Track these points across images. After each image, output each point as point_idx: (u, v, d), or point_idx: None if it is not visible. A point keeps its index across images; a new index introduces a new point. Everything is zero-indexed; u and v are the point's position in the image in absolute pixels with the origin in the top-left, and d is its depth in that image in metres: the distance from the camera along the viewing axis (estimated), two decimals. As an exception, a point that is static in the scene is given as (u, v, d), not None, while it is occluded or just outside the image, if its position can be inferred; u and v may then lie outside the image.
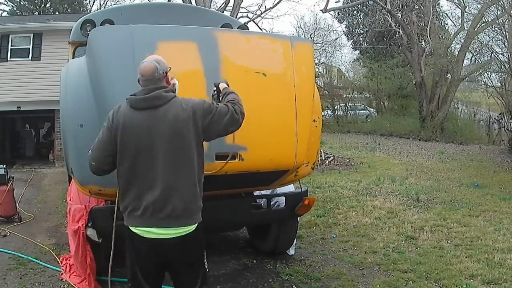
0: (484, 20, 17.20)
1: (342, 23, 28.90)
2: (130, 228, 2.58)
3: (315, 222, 6.41)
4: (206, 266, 2.77)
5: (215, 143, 3.30)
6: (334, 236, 5.88)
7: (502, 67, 15.47)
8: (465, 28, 18.77)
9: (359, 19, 26.83)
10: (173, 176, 2.52)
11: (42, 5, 26.15)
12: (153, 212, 2.51)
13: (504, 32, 15.00)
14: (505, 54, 15.30)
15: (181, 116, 2.54)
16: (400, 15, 20.47)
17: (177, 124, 2.53)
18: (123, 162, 2.57)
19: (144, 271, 2.62)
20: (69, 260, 4.51)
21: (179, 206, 2.52)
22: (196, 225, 2.62)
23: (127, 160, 2.55)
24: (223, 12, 17.47)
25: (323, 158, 12.58)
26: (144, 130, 2.52)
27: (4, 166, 6.91)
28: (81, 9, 26.26)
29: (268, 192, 4.46)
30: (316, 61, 24.89)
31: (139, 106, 2.57)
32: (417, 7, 20.63)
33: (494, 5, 15.13)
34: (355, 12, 27.51)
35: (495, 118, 18.19)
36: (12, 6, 26.66)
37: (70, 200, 4.23)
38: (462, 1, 18.89)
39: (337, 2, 25.01)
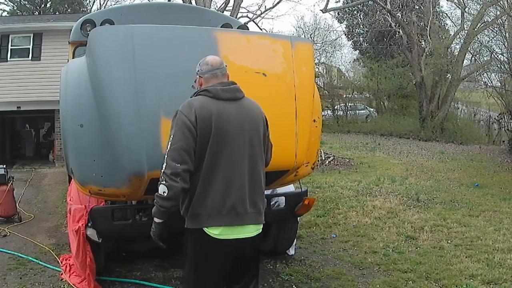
0: (484, 20, 17.20)
1: (342, 23, 28.93)
2: (207, 229, 2.41)
3: (315, 222, 6.41)
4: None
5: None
6: (334, 236, 5.88)
7: (502, 67, 15.49)
8: (465, 28, 18.77)
9: (359, 19, 26.85)
10: (256, 170, 2.53)
11: (42, 5, 26.15)
12: (237, 210, 2.43)
13: (504, 32, 15.02)
14: (505, 54, 15.33)
15: (259, 112, 2.60)
16: (400, 15, 20.48)
17: (257, 119, 2.57)
18: (207, 156, 2.39)
19: (219, 273, 2.51)
20: (69, 260, 4.51)
21: (260, 203, 2.54)
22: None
23: (213, 154, 2.39)
24: (223, 12, 17.47)
25: (323, 158, 12.58)
26: (234, 121, 2.45)
27: (4, 166, 6.91)
28: (81, 9, 26.26)
29: (268, 192, 4.46)
30: (316, 61, 24.88)
31: (223, 96, 2.47)
32: (417, 7, 20.64)
33: (494, 5, 15.12)
34: (355, 12, 27.51)
35: (495, 118, 18.20)
36: (12, 6, 26.68)
37: (70, 200, 4.23)
38: (462, 1, 18.90)
39: (337, 2, 25.02)
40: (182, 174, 2.34)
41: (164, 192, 2.36)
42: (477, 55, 18.16)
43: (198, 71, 2.62)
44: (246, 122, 2.50)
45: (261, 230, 2.59)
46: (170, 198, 2.38)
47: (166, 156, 2.37)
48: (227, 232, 2.42)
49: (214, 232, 2.40)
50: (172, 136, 2.39)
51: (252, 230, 2.51)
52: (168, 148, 2.38)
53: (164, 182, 2.36)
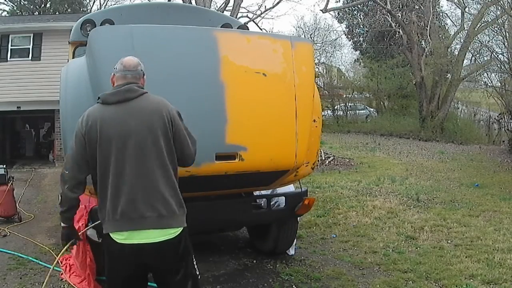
0: (484, 20, 17.21)
1: (342, 23, 28.93)
2: (111, 234, 2.40)
3: (315, 222, 6.41)
4: (197, 273, 2.57)
5: (215, 143, 3.31)
6: (334, 236, 5.88)
7: (502, 67, 15.49)
8: (465, 28, 18.78)
9: (359, 19, 26.84)
10: (150, 171, 2.37)
11: (42, 5, 26.13)
12: (129, 214, 2.34)
13: (504, 32, 15.02)
14: (505, 54, 15.33)
15: (155, 110, 2.43)
16: (400, 15, 20.47)
17: (151, 117, 2.40)
18: (98, 163, 2.39)
19: (124, 279, 2.44)
20: (69, 260, 4.51)
21: (161, 206, 2.37)
22: (180, 228, 2.44)
23: (101, 160, 2.38)
24: (223, 12, 17.45)
25: (323, 158, 12.58)
26: (118, 124, 2.38)
27: (4, 166, 6.91)
28: (81, 9, 26.25)
29: (268, 192, 4.46)
30: (316, 61, 24.88)
31: (110, 100, 2.43)
32: (417, 7, 20.63)
33: (494, 5, 15.13)
34: (355, 12, 27.50)
35: (495, 118, 18.19)
36: (12, 6, 26.66)
37: (70, 200, 4.23)
38: (462, 1, 18.91)
39: (337, 2, 25.01)
40: (68, 182, 2.45)
41: (59, 201, 2.54)
42: (477, 55, 18.17)
43: (114, 68, 2.57)
44: (133, 123, 2.38)
45: (172, 235, 2.39)
46: (61, 204, 2.56)
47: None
48: (124, 236, 2.35)
49: (115, 236, 2.38)
50: (70, 145, 2.51)
51: (154, 235, 2.35)
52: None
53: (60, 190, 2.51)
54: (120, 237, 2.36)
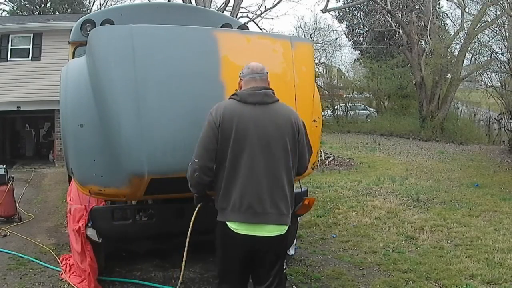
0: (484, 20, 17.20)
1: (342, 23, 28.93)
2: (229, 223, 2.61)
3: (315, 222, 6.41)
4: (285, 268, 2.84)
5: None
6: (334, 236, 5.88)
7: (502, 67, 15.49)
8: (465, 28, 18.77)
9: (359, 19, 26.84)
10: (277, 173, 2.59)
11: (42, 5, 26.12)
12: (255, 208, 2.56)
13: (504, 32, 15.02)
14: (505, 54, 15.32)
15: (287, 118, 2.66)
16: (400, 15, 20.48)
17: (284, 125, 2.63)
18: (229, 155, 2.57)
19: (239, 266, 2.69)
20: (69, 260, 4.51)
21: (282, 205, 2.60)
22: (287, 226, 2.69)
23: (233, 154, 2.57)
24: (223, 12, 17.46)
25: (323, 158, 12.58)
26: (256, 124, 2.57)
27: (4, 166, 6.90)
28: (81, 9, 26.24)
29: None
30: (316, 61, 24.88)
31: (249, 100, 2.63)
32: (417, 7, 20.63)
33: (494, 5, 15.13)
34: (355, 12, 27.51)
35: (495, 118, 18.19)
36: (12, 6, 26.65)
37: (70, 200, 4.23)
38: (462, 1, 18.89)
39: (337, 2, 25.03)
40: (198, 169, 2.60)
41: (189, 182, 2.69)
42: (477, 55, 18.16)
43: (240, 74, 2.83)
44: (269, 126, 2.60)
45: (284, 231, 2.66)
46: (192, 187, 2.72)
47: None
48: (244, 228, 2.57)
49: (233, 226, 2.59)
50: (200, 134, 2.64)
51: (272, 230, 2.60)
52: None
53: (187, 175, 2.68)
54: (238, 228, 2.58)
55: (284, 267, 2.84)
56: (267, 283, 2.69)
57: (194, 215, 2.86)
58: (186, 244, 2.87)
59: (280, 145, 2.61)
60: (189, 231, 2.85)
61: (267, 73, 2.79)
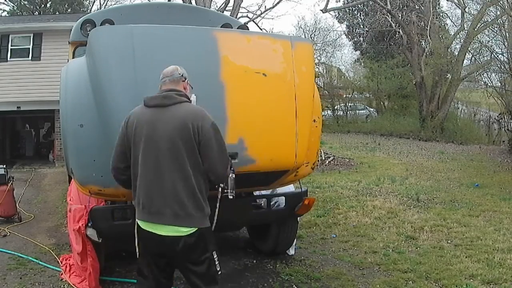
0: (484, 20, 17.20)
1: (342, 23, 28.92)
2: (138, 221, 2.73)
3: (315, 222, 6.41)
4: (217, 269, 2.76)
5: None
6: (334, 236, 5.88)
7: (502, 67, 15.48)
8: (465, 28, 18.77)
9: (360, 19, 26.84)
10: (167, 174, 2.59)
11: (42, 5, 26.12)
12: (148, 208, 2.63)
13: (504, 32, 15.01)
14: (505, 54, 15.32)
15: (183, 121, 2.57)
16: (400, 15, 20.47)
17: (180, 127, 2.57)
18: (132, 157, 2.68)
19: (149, 263, 2.79)
20: (69, 260, 4.51)
21: (177, 207, 2.58)
22: (194, 229, 2.62)
23: (134, 155, 2.66)
24: (223, 12, 17.46)
25: (323, 158, 12.58)
26: (149, 126, 2.62)
27: (4, 166, 6.90)
28: (81, 9, 26.25)
29: (268, 192, 4.46)
30: (316, 61, 24.88)
31: (149, 104, 2.68)
32: (417, 7, 20.63)
33: (494, 5, 15.12)
34: (355, 12, 27.51)
35: (495, 118, 18.19)
36: (12, 6, 26.65)
37: (70, 200, 4.23)
38: (462, 1, 18.89)
39: (337, 2, 24.98)
40: (112, 169, 2.81)
41: None
42: (477, 55, 18.14)
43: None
44: (160, 128, 2.59)
45: (182, 233, 2.58)
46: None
47: None
48: (146, 226, 2.67)
49: (140, 224, 2.72)
50: None
51: (168, 230, 2.60)
52: None
53: None
54: (142, 226, 2.69)
55: (218, 270, 2.75)
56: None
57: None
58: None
59: (173, 146, 2.56)
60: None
61: (180, 74, 2.74)
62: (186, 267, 2.73)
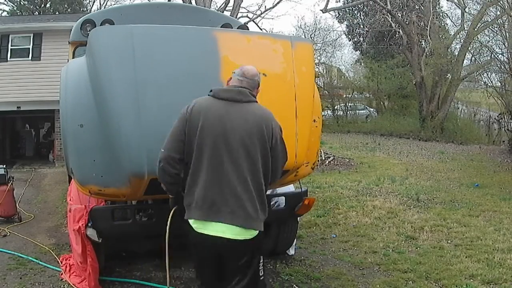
0: (484, 20, 17.20)
1: (342, 23, 28.92)
2: (190, 221, 2.57)
3: (315, 222, 6.41)
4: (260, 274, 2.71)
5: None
6: (334, 236, 5.88)
7: (502, 67, 15.48)
8: (465, 28, 18.77)
9: (359, 19, 26.83)
10: (240, 172, 2.51)
11: (42, 5, 26.12)
12: (218, 206, 2.49)
13: (504, 32, 15.01)
14: (505, 54, 15.32)
15: (259, 120, 2.57)
16: (400, 15, 20.47)
17: (254, 125, 2.55)
18: (194, 149, 2.52)
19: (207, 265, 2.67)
20: (69, 260, 4.51)
21: (249, 207, 2.50)
22: (257, 231, 2.57)
23: (198, 147, 2.52)
24: (223, 12, 17.47)
25: (323, 158, 12.57)
26: (220, 119, 2.52)
27: (4, 166, 6.90)
28: (81, 9, 26.25)
29: (268, 192, 4.45)
30: (316, 61, 24.88)
31: (221, 96, 2.59)
32: (417, 7, 20.63)
33: (494, 5, 15.12)
34: (355, 12, 27.50)
35: (495, 118, 18.18)
36: (12, 6, 26.64)
37: (70, 200, 4.23)
38: (462, 1, 18.89)
39: (337, 2, 24.99)
40: (163, 159, 2.57)
41: (158, 174, 2.64)
42: (477, 55, 18.15)
43: (234, 71, 2.78)
44: (234, 123, 2.53)
45: (249, 236, 2.53)
46: (161, 181, 2.66)
47: None
48: (202, 226, 2.52)
49: (194, 224, 2.55)
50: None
51: (229, 231, 2.49)
52: None
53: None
54: (197, 226, 2.53)
55: (261, 275, 2.71)
56: (231, 284, 2.61)
57: (169, 219, 2.76)
58: (166, 249, 2.77)
59: (244, 143, 2.51)
60: (166, 235, 2.77)
61: (259, 81, 2.73)
62: (237, 269, 2.60)
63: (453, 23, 22.15)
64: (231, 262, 2.60)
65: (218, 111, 2.54)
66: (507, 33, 14.87)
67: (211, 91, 2.66)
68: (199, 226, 2.52)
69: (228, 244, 2.49)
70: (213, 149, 2.49)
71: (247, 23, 19.11)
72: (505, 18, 14.66)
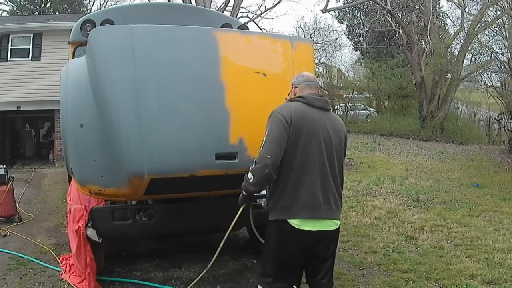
0: (484, 20, 17.20)
1: (342, 23, 28.95)
2: (292, 221, 2.70)
3: (315, 222, 6.40)
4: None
5: (216, 143, 3.31)
6: (334, 236, 5.87)
7: (502, 67, 15.49)
8: (465, 28, 18.77)
9: (359, 19, 26.84)
10: (335, 173, 2.80)
11: (42, 5, 26.14)
12: (324, 204, 2.73)
13: (504, 32, 15.02)
14: (505, 54, 15.32)
15: (342, 127, 2.90)
16: (400, 15, 20.47)
17: (340, 131, 2.86)
18: (298, 151, 2.68)
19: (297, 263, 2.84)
20: (69, 260, 4.51)
21: (335, 202, 2.79)
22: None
23: (303, 150, 2.68)
24: (223, 12, 17.46)
25: (323, 158, 12.55)
26: (321, 126, 2.74)
27: (4, 166, 6.90)
28: (81, 9, 26.26)
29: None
30: (316, 61, 24.89)
31: (315, 104, 2.78)
32: (417, 7, 20.63)
33: (494, 5, 15.12)
34: (355, 12, 27.51)
35: (495, 118, 18.19)
36: (12, 6, 26.67)
37: (70, 200, 4.23)
38: (462, 1, 18.90)
39: (337, 2, 24.98)
40: (270, 165, 2.64)
41: (251, 178, 2.72)
42: (477, 55, 18.16)
43: (293, 82, 2.97)
44: (330, 130, 2.78)
45: (337, 226, 2.84)
46: (255, 184, 2.73)
47: (260, 148, 2.69)
48: (309, 224, 2.69)
49: (298, 223, 2.69)
50: (267, 131, 2.70)
51: (332, 224, 2.79)
52: (264, 141, 2.68)
53: (251, 170, 2.72)
54: (302, 224, 2.68)
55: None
56: (321, 274, 2.86)
57: (238, 215, 3.00)
58: (222, 243, 3.09)
59: (336, 148, 2.80)
60: (230, 228, 3.07)
61: (318, 82, 2.96)
62: (319, 263, 2.84)
63: (453, 23, 22.20)
64: (322, 252, 2.80)
65: (318, 119, 2.75)
66: (507, 33, 14.87)
67: (299, 97, 2.81)
68: (302, 223, 2.69)
69: (326, 235, 2.76)
70: (318, 154, 2.70)
71: (247, 23, 19.10)
72: (505, 18, 14.67)
